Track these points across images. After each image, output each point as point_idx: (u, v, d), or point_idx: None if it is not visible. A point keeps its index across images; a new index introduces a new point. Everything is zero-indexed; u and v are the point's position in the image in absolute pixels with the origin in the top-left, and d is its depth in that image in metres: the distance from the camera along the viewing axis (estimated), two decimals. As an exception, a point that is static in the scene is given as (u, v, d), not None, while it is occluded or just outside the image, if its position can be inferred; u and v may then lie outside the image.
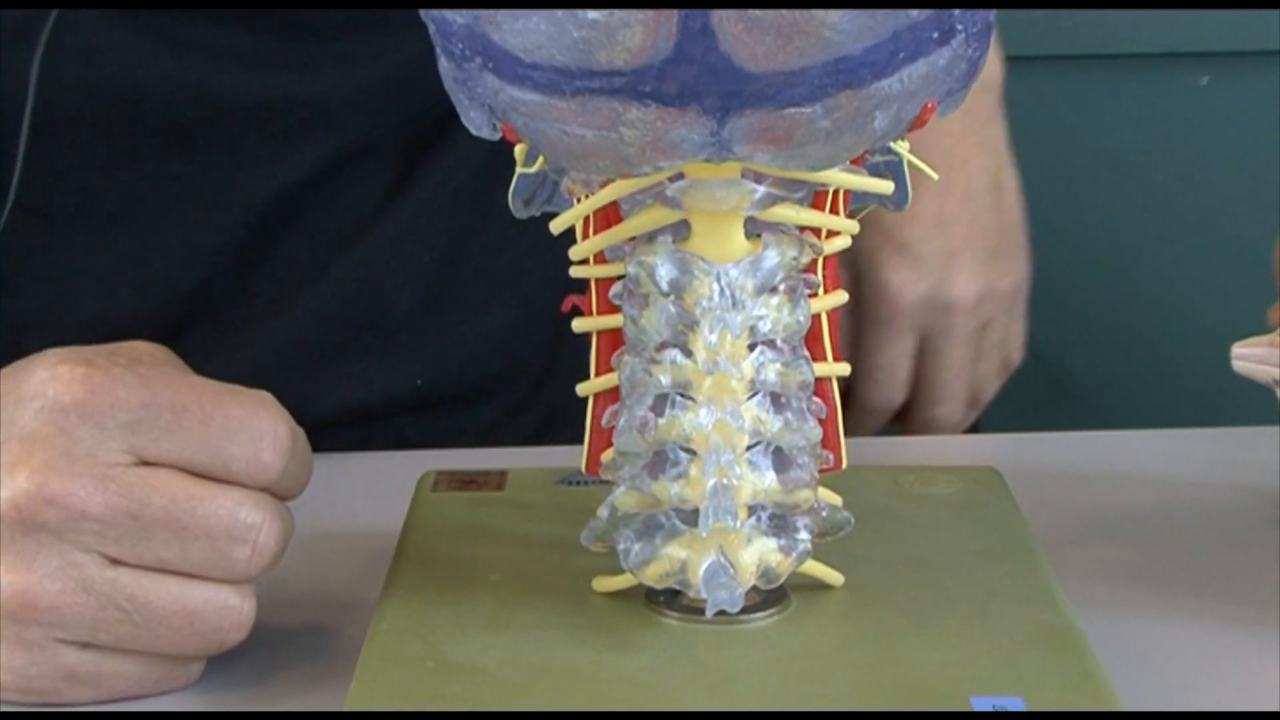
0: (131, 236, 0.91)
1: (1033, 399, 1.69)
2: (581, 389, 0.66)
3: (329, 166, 0.92)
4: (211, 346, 0.92)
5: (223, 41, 0.89)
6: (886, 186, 0.63)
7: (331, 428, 0.92)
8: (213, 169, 0.91)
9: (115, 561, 0.63)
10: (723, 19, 0.53)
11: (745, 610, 0.64)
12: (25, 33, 0.87)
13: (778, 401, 0.63)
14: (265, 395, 0.65)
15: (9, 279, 0.90)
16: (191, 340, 0.91)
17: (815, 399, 0.64)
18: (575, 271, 0.65)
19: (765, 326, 0.62)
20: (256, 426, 0.63)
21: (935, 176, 0.65)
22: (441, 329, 0.96)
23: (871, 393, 1.07)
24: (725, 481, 0.62)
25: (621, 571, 0.65)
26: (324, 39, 0.90)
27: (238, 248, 0.92)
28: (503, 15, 0.55)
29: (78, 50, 0.87)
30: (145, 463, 0.63)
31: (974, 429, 1.27)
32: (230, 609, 0.64)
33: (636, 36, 0.53)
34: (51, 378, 0.63)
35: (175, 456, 0.63)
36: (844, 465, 0.66)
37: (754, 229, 0.62)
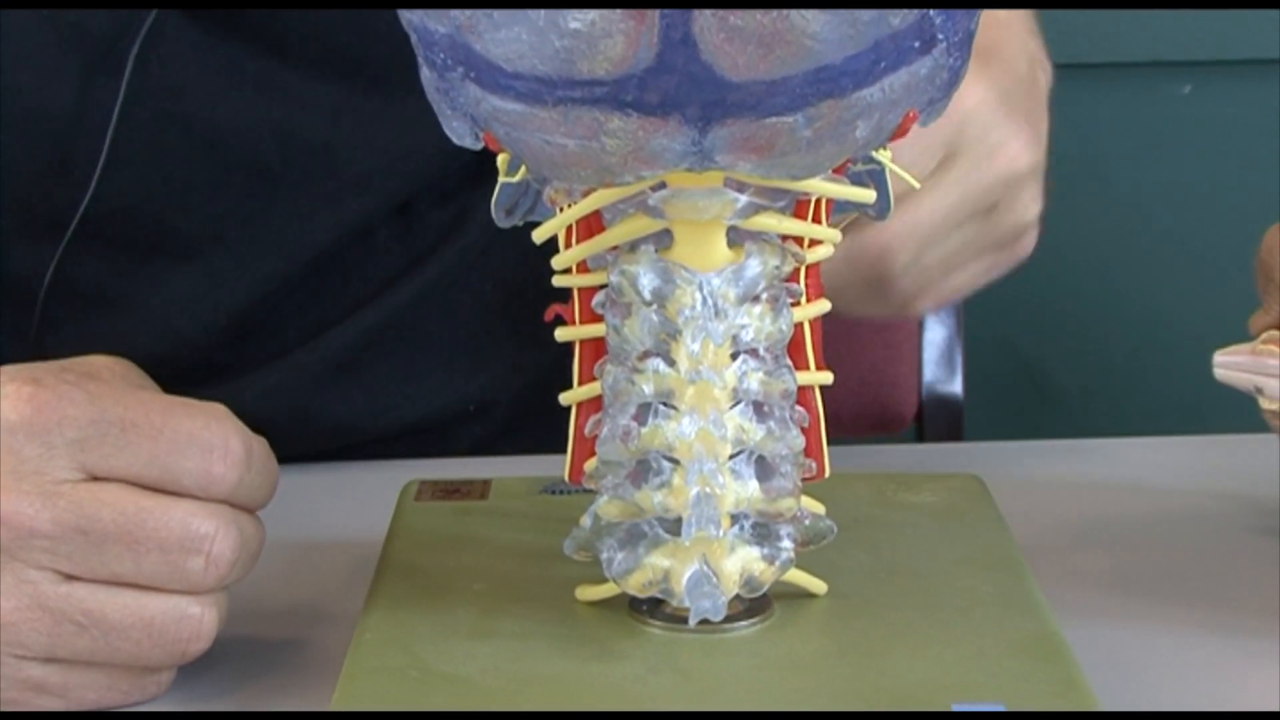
0: (198, 271, 0.92)
1: (1016, 407, 1.69)
2: (564, 398, 0.66)
3: (396, 207, 0.94)
4: (261, 366, 0.92)
5: (300, 86, 0.90)
6: (869, 195, 0.63)
7: (379, 442, 0.93)
8: (287, 208, 0.92)
9: (70, 577, 0.63)
10: (704, 28, 0.53)
11: (728, 619, 0.64)
12: (110, 64, 0.87)
13: (760, 410, 0.63)
14: (218, 408, 0.65)
15: (55, 308, 0.90)
16: (240, 361, 0.92)
17: (798, 408, 0.64)
18: (558, 281, 0.65)
19: (748, 335, 0.62)
20: (207, 440, 0.64)
21: (918, 185, 0.65)
22: (499, 353, 0.96)
23: None
24: (708, 490, 0.62)
25: (605, 580, 0.65)
26: (395, 91, 0.90)
27: (300, 280, 0.93)
28: (484, 25, 0.55)
29: (161, 84, 0.88)
30: (95, 478, 0.63)
31: (956, 436, 1.27)
32: (189, 619, 0.64)
33: (618, 46, 0.53)
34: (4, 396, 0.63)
35: (125, 472, 0.63)
36: (827, 473, 0.66)
37: (736, 238, 0.62)
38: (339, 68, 0.90)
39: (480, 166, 0.94)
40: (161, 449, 0.63)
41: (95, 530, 0.63)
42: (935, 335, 1.31)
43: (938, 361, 1.31)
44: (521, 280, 0.95)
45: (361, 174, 0.92)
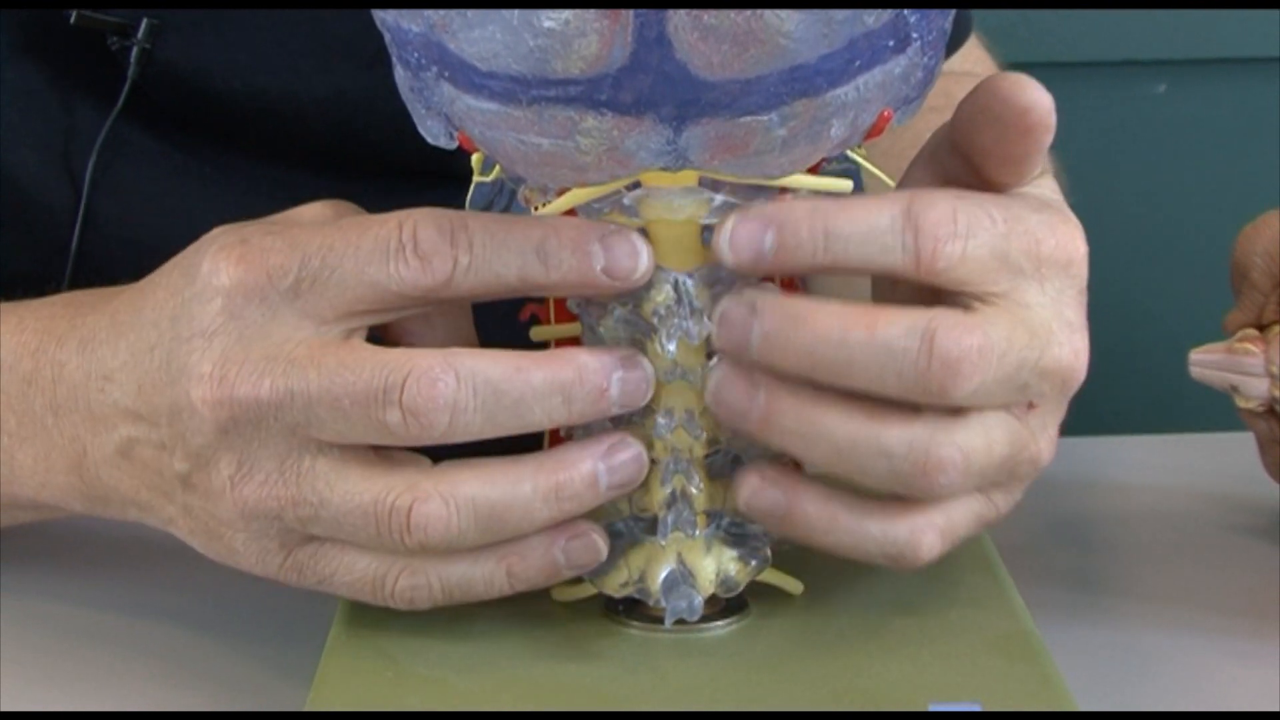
0: None
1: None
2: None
3: None
4: None
5: (266, 178, 0.87)
6: (845, 185, 0.63)
7: None
8: None
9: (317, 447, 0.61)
10: (678, 27, 0.53)
11: (705, 619, 0.64)
12: (71, 169, 0.86)
13: (736, 410, 0.62)
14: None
15: None
16: None
17: (773, 407, 0.64)
18: (533, 280, 0.65)
19: (723, 335, 0.62)
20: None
21: (893, 184, 0.65)
22: None
23: None
24: (684, 490, 0.62)
25: (581, 581, 0.65)
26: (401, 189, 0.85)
27: None
28: (458, 24, 0.55)
29: (121, 187, 0.87)
30: (323, 322, 0.61)
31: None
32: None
33: (592, 45, 0.53)
34: (213, 268, 0.61)
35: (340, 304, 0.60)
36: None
37: (712, 237, 0.62)
38: (299, 157, 0.87)
39: None
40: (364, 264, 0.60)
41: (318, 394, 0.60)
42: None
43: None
44: None
45: None
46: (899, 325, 0.58)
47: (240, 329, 0.61)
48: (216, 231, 0.64)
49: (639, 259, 0.60)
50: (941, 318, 0.58)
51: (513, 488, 0.60)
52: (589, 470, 0.61)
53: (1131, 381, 1.67)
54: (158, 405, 0.63)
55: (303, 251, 0.61)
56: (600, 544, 0.62)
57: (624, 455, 0.61)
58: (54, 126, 0.86)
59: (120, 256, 0.78)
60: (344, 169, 0.87)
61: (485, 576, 0.62)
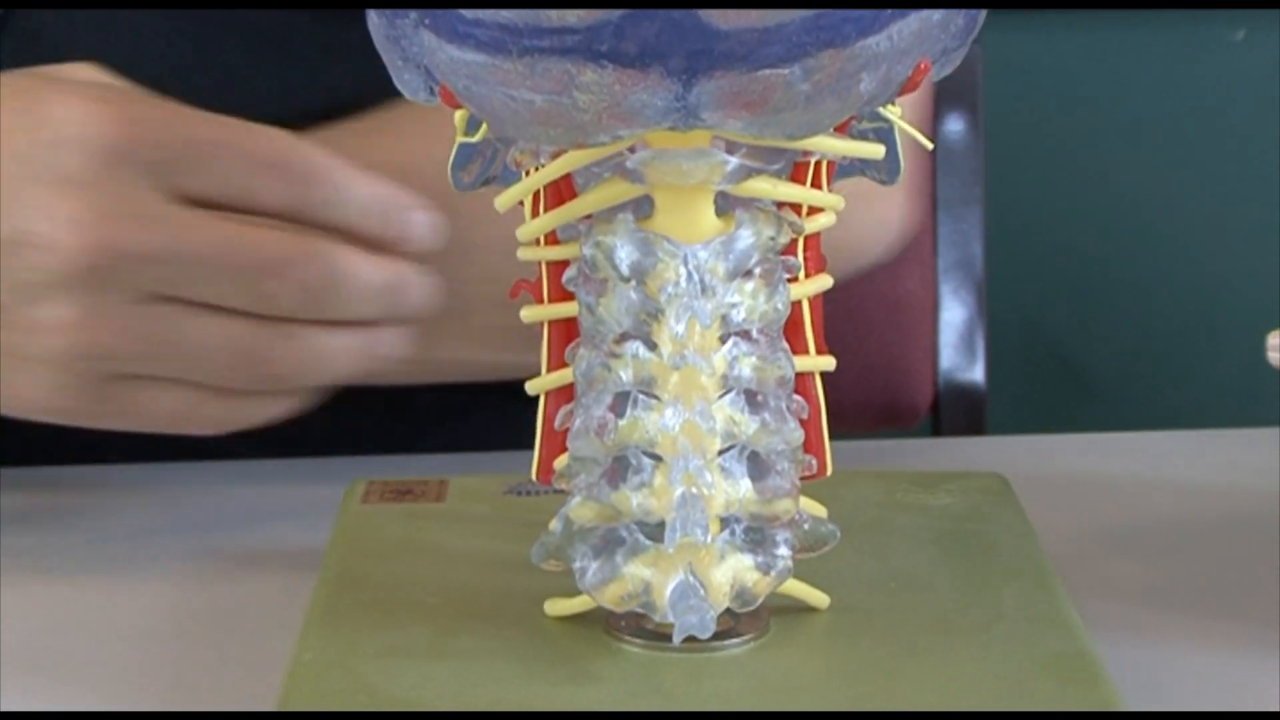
0: None
1: (1045, 396, 1.70)
2: (531, 386, 0.66)
3: None
4: None
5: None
6: (877, 151, 0.64)
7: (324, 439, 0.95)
8: None
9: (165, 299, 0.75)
10: (689, -32, 0.53)
11: (717, 636, 0.64)
12: None
13: (754, 400, 0.63)
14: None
15: None
16: None
17: (796, 397, 0.64)
18: (523, 254, 0.66)
19: (739, 315, 0.62)
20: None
21: (930, 145, 0.65)
22: None
23: None
24: (694, 491, 0.62)
25: (577, 593, 0.65)
26: None
27: None
28: (440, -36, 0.55)
29: None
30: (186, 200, 0.75)
31: (977, 430, 1.28)
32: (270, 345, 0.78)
33: (592, -12, 0.54)
34: (84, 117, 0.74)
35: (210, 193, 0.76)
36: (829, 471, 0.66)
37: (726, 205, 0.62)
38: None
39: None
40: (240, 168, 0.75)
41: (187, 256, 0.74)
42: (954, 315, 1.32)
43: (956, 345, 1.32)
44: None
45: None
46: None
47: (112, 185, 0.74)
48: (49, 73, 0.76)
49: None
50: None
51: None
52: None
53: (1203, 369, 1.67)
54: None
55: (186, 135, 0.75)
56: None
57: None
58: None
59: None
60: None
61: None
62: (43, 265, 0.74)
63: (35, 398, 0.77)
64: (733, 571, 0.64)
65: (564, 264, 0.64)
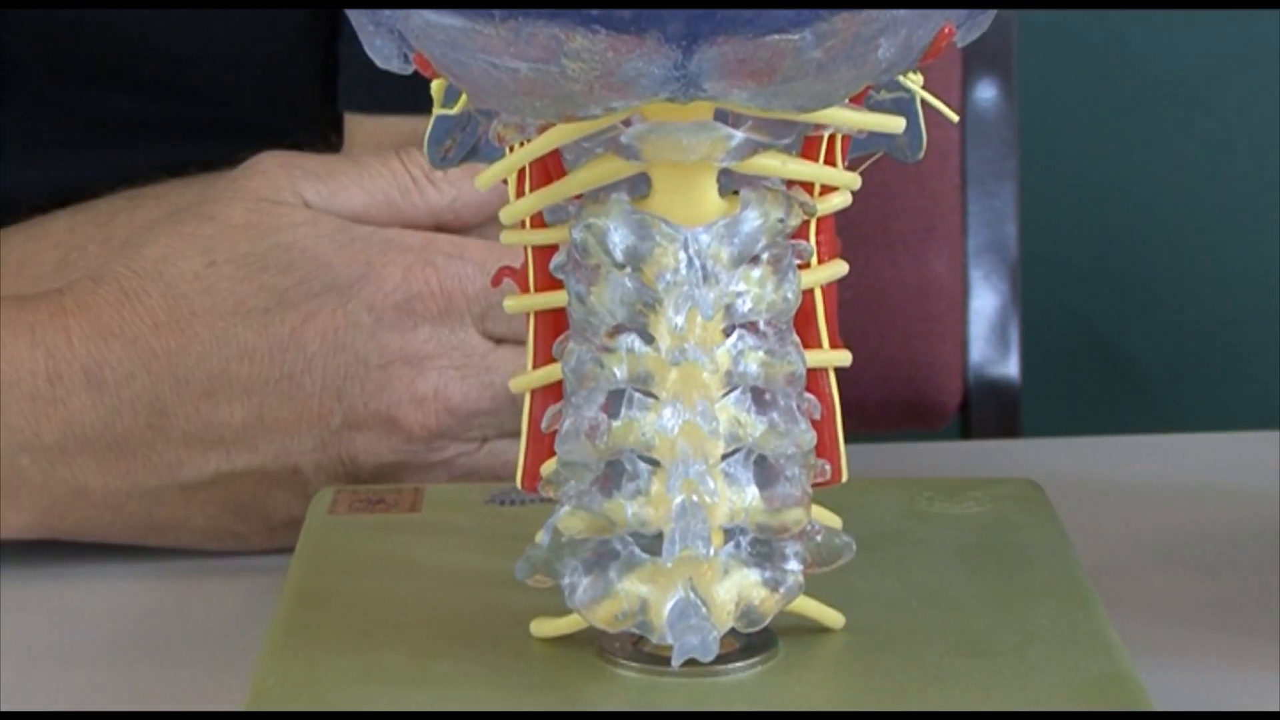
0: None
1: (1087, 394, 1.70)
2: (515, 384, 0.66)
3: None
4: None
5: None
6: (897, 124, 0.64)
7: None
8: None
9: None
10: (688, -77, 0.53)
11: (721, 659, 0.64)
12: None
13: (761, 399, 0.63)
14: None
15: None
16: None
17: (808, 395, 0.64)
18: (507, 238, 0.66)
19: (745, 306, 0.62)
20: None
21: (955, 118, 0.65)
22: None
23: None
24: (695, 499, 0.62)
25: (567, 612, 0.65)
26: None
27: None
28: (414, -81, 0.55)
29: None
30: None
31: (1010, 432, 1.28)
32: None
33: (581, -55, 0.54)
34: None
35: None
36: (845, 477, 0.66)
37: (730, 184, 0.62)
38: None
39: None
40: None
41: None
42: (985, 304, 1.32)
43: (988, 338, 1.32)
44: None
45: None
46: None
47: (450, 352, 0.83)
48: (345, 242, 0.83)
49: None
50: None
51: None
52: None
53: (1261, 365, 1.67)
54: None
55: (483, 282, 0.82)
56: None
57: None
58: None
59: None
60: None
61: None
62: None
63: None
64: (738, 588, 0.64)
65: (552, 249, 0.64)
